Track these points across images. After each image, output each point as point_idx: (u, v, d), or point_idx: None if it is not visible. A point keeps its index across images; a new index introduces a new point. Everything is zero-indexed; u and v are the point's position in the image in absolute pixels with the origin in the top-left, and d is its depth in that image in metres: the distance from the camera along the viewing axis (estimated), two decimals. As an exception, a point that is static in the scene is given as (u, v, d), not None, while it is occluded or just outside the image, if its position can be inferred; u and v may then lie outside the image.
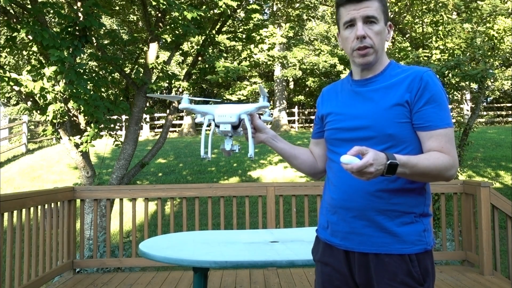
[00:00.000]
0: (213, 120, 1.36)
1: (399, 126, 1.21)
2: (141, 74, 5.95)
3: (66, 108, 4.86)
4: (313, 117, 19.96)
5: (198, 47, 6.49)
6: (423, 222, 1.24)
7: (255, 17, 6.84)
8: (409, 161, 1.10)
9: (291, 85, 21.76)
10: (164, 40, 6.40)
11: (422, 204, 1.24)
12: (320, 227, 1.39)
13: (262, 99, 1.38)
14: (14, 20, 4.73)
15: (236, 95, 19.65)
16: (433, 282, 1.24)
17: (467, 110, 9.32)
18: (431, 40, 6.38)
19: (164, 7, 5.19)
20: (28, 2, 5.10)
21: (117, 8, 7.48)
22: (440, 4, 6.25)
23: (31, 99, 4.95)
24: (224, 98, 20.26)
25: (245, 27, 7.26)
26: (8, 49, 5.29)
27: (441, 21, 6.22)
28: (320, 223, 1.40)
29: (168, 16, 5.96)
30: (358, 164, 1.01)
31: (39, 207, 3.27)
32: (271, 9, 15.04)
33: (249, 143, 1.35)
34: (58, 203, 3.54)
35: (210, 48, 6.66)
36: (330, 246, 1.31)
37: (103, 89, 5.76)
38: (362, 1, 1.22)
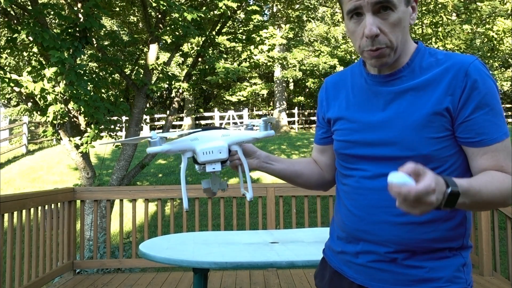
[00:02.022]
0: (194, 156, 1.04)
1: (437, 142, 0.90)
2: (141, 75, 5.96)
3: (67, 109, 4.87)
4: (313, 118, 19.94)
5: (198, 48, 6.51)
6: (462, 255, 0.95)
7: (255, 18, 6.86)
8: (471, 187, 0.79)
9: (291, 86, 21.78)
10: (164, 41, 6.42)
11: (461, 236, 0.94)
12: (329, 250, 1.12)
13: (264, 127, 1.04)
14: (15, 21, 4.74)
15: (236, 96, 19.68)
16: None
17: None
18: (430, 41, 6.39)
19: (164, 8, 5.20)
20: (29, 3, 5.12)
21: (117, 9, 7.50)
22: (440, 6, 6.26)
23: (31, 100, 4.96)
24: (224, 99, 20.30)
25: (245, 28, 7.28)
26: (9, 50, 5.30)
27: (440, 22, 6.23)
28: (330, 243, 1.12)
29: (168, 17, 5.98)
30: (418, 188, 0.68)
31: (39, 208, 3.27)
32: (271, 10, 15.07)
33: (248, 183, 1.06)
34: (58, 204, 3.54)
35: (210, 49, 6.68)
36: (340, 275, 1.06)
37: (103, 90, 5.78)
38: None
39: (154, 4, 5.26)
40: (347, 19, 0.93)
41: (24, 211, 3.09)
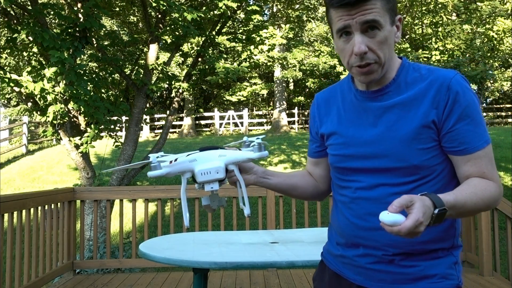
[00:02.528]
0: (192, 176, 1.10)
1: (426, 153, 0.98)
2: (141, 75, 5.96)
3: (66, 109, 4.87)
4: (313, 118, 19.92)
5: (198, 48, 6.51)
6: (453, 254, 1.04)
7: (255, 18, 6.86)
8: (457, 201, 0.89)
9: (291, 86, 21.79)
10: (164, 41, 6.42)
11: (452, 236, 1.03)
12: (327, 253, 1.18)
13: (258, 148, 1.09)
14: (15, 21, 4.74)
15: (236, 96, 19.69)
16: None
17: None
18: (430, 41, 6.40)
19: (164, 8, 5.20)
20: (29, 3, 5.12)
21: (117, 9, 7.50)
22: (440, 5, 6.26)
23: (31, 100, 4.96)
24: (224, 99, 20.30)
25: (245, 28, 7.28)
26: (9, 50, 5.30)
27: (440, 22, 6.23)
28: (329, 247, 1.18)
29: (168, 17, 5.98)
30: (407, 225, 0.78)
31: (39, 208, 3.27)
32: (271, 10, 15.07)
33: (245, 200, 1.11)
34: (58, 204, 3.54)
35: (210, 49, 6.68)
36: (339, 277, 1.12)
37: (103, 90, 5.78)
38: (359, 4, 0.91)
39: (154, 4, 5.26)
40: (337, 38, 0.99)
41: (24, 211, 3.10)
